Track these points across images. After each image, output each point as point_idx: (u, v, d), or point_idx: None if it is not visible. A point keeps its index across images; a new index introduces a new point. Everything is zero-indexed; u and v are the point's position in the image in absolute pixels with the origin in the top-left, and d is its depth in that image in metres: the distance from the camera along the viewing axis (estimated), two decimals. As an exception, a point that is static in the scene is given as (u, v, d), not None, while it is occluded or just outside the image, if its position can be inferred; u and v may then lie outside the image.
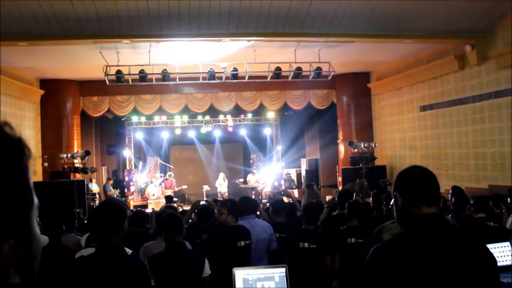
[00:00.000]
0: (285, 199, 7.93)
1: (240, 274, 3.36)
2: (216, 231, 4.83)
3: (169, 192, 15.64)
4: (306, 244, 4.62)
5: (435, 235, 1.90)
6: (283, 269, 3.37)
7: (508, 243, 4.34)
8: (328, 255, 4.70)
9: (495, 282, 1.93)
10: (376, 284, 1.86)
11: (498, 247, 4.28)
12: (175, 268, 3.59)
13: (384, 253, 1.90)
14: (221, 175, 17.28)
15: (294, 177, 17.78)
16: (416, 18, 9.37)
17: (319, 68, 11.55)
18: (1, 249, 0.63)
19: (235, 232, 4.60)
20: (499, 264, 4.10)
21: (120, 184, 17.52)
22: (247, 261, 4.46)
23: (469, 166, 11.07)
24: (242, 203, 5.22)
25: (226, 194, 16.45)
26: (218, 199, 6.93)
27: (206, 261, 3.77)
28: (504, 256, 4.30)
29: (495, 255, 4.10)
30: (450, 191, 6.45)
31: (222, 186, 16.97)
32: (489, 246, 2.31)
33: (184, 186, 17.08)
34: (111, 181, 16.12)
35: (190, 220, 6.00)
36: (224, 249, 4.38)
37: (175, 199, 15.65)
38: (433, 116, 12.44)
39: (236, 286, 3.32)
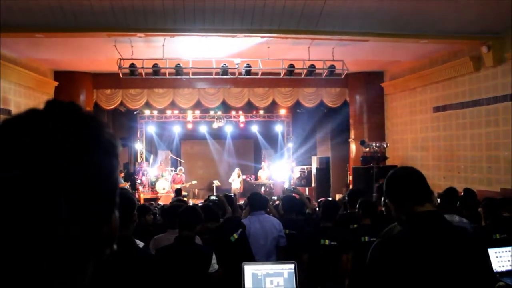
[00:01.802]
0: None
1: (249, 270, 3.36)
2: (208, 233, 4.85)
3: (178, 187, 15.69)
4: (327, 241, 4.61)
5: (429, 231, 1.93)
6: (292, 266, 3.37)
7: (509, 248, 4.30)
8: (346, 253, 4.70)
9: (488, 273, 1.97)
10: (375, 278, 1.90)
11: (498, 252, 4.25)
12: (182, 262, 3.61)
13: (382, 250, 1.96)
14: (236, 171, 17.20)
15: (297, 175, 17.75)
16: (432, 18, 9.29)
17: (332, 66, 11.51)
18: (111, 220, 0.70)
19: (222, 230, 4.61)
20: (499, 269, 4.11)
21: (131, 177, 17.62)
22: (246, 251, 4.48)
23: (482, 168, 10.97)
24: (252, 199, 5.23)
25: (239, 191, 16.42)
26: (229, 194, 6.93)
27: (214, 256, 3.78)
28: (505, 261, 4.26)
29: (496, 260, 4.10)
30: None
31: (235, 182, 16.89)
32: (490, 250, 2.32)
33: (194, 182, 17.09)
34: (122, 174, 16.21)
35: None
36: (219, 248, 4.38)
37: (185, 193, 15.72)
38: (447, 118, 12.34)
39: (245, 281, 3.32)
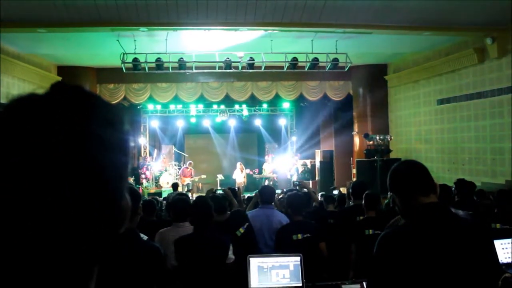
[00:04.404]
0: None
1: (255, 262, 3.37)
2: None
3: (187, 181, 15.70)
4: (299, 236, 4.54)
5: (435, 223, 1.96)
6: (298, 258, 3.38)
7: (510, 240, 4.29)
8: (323, 242, 4.67)
9: (494, 263, 2.00)
10: (383, 270, 1.90)
11: (504, 243, 4.25)
12: (202, 251, 3.62)
13: (389, 241, 1.97)
14: (238, 166, 17.14)
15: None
16: (436, 10, 9.22)
17: (335, 59, 11.48)
18: (125, 200, 0.68)
19: (230, 223, 4.61)
20: (505, 261, 4.11)
21: (134, 171, 17.64)
22: (252, 245, 4.48)
23: (486, 160, 10.94)
24: (263, 193, 5.25)
25: (243, 185, 16.39)
26: (233, 188, 6.96)
27: (231, 246, 3.80)
28: (509, 252, 4.25)
29: (502, 251, 4.10)
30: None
31: (239, 177, 16.85)
32: (496, 242, 2.35)
33: (203, 176, 17.08)
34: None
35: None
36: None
37: (190, 187, 15.75)
38: (451, 110, 12.30)
39: (251, 274, 3.33)
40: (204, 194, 6.65)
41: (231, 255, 3.77)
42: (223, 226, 4.60)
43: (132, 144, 0.70)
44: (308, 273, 3.69)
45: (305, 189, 7.24)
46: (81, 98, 0.63)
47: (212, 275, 3.61)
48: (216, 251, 3.70)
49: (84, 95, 0.64)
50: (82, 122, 0.60)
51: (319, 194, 10.18)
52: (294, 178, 16.63)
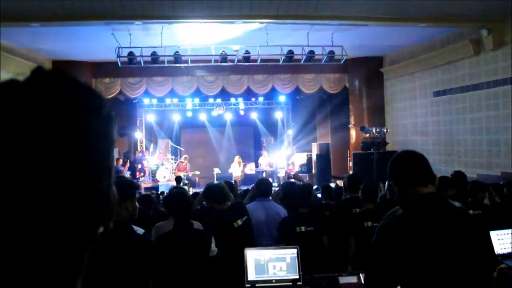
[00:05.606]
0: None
1: (252, 255, 3.37)
2: (212, 217, 4.85)
3: (181, 175, 15.69)
4: (303, 228, 4.55)
5: (433, 212, 1.98)
6: (295, 250, 3.38)
7: (509, 231, 4.31)
8: (325, 235, 4.68)
9: (490, 253, 2.05)
10: (382, 259, 1.91)
11: (500, 234, 4.26)
12: (182, 246, 3.61)
13: (388, 230, 1.99)
14: (236, 159, 17.07)
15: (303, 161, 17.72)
16: (431, 1, 9.21)
17: (331, 52, 11.45)
18: (111, 191, 0.66)
19: (228, 214, 4.62)
20: (501, 251, 4.14)
21: (131, 165, 17.62)
22: (249, 238, 4.48)
23: (482, 152, 10.97)
24: (260, 185, 5.26)
25: (240, 178, 16.38)
26: (230, 181, 6.96)
27: (213, 239, 3.80)
28: (507, 243, 4.26)
29: (498, 242, 4.13)
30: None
31: (236, 171, 16.83)
32: (492, 233, 2.38)
33: (197, 172, 17.08)
34: (121, 161, 16.14)
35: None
36: (222, 233, 4.38)
37: (185, 181, 15.73)
38: (446, 102, 12.31)
39: (248, 267, 3.33)
40: (201, 189, 6.65)
41: (213, 247, 3.77)
42: (222, 215, 4.60)
43: (116, 133, 0.66)
44: (308, 265, 3.71)
45: (300, 182, 7.22)
46: (63, 84, 0.61)
47: (196, 269, 3.60)
48: (198, 244, 3.69)
49: (66, 81, 0.62)
50: (64, 110, 0.58)
51: (314, 187, 10.21)
52: (282, 174, 16.70)
